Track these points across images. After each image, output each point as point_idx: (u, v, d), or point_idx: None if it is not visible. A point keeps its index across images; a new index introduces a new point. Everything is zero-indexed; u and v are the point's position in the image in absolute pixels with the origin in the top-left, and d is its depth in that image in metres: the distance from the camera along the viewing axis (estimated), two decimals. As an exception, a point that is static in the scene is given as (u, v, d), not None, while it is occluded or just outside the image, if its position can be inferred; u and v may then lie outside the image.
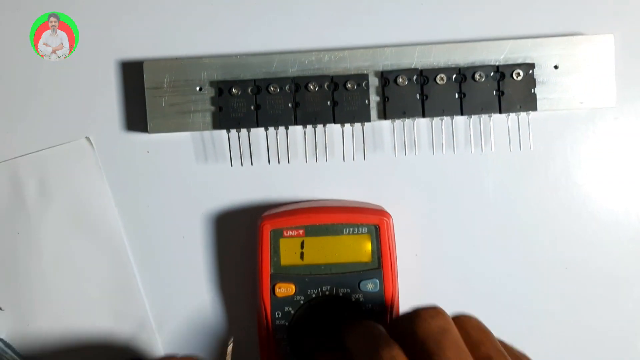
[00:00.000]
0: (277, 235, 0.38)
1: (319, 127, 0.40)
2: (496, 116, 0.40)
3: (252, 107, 0.39)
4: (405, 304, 0.39)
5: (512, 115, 0.40)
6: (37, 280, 0.42)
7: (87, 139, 0.41)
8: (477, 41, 0.40)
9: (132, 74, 0.41)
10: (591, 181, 0.42)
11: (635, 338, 0.42)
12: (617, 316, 0.42)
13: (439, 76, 0.39)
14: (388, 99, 0.40)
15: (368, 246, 0.38)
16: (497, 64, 0.40)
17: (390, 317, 0.38)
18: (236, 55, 0.40)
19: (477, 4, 0.41)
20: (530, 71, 0.39)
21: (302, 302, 0.38)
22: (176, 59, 0.40)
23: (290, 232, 0.38)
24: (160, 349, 0.42)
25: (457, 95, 0.40)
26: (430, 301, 0.39)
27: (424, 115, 0.40)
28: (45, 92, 0.41)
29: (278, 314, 0.38)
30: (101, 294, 0.42)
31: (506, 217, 0.42)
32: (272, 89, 0.39)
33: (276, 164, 0.41)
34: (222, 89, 0.39)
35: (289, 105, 0.39)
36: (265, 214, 0.39)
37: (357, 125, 0.40)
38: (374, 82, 0.40)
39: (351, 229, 0.39)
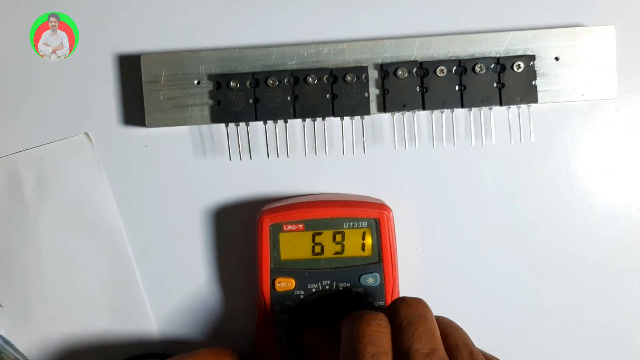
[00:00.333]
0: (276, 229, 0.38)
1: (318, 120, 0.40)
2: (496, 108, 0.40)
3: (250, 101, 0.39)
4: None
5: (513, 107, 0.40)
6: (35, 277, 0.41)
7: (86, 134, 0.41)
8: (478, 33, 0.40)
9: (130, 68, 0.41)
10: (592, 173, 0.42)
11: (636, 330, 0.43)
12: (618, 309, 0.42)
13: (439, 68, 0.39)
14: (388, 91, 0.39)
15: (368, 240, 0.38)
16: (497, 55, 0.39)
17: None
18: (234, 48, 0.40)
19: (477, -4, 0.41)
20: (531, 63, 0.39)
21: (302, 296, 0.38)
22: (174, 52, 0.40)
23: (289, 227, 0.38)
24: (159, 344, 0.42)
25: (457, 87, 0.39)
26: (430, 294, 0.39)
27: (424, 108, 0.39)
28: (42, 87, 0.41)
29: (278, 308, 0.38)
30: (100, 289, 0.42)
31: (506, 210, 0.42)
32: (270, 82, 0.39)
33: (275, 158, 0.41)
34: (220, 82, 0.39)
35: (288, 98, 0.39)
36: (265, 208, 0.39)
37: (357, 118, 0.40)
38: (373, 74, 0.39)
39: (351, 223, 0.38)
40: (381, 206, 0.39)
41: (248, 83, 0.39)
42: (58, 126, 0.41)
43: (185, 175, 0.41)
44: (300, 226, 0.38)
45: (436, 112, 0.40)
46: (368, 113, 0.39)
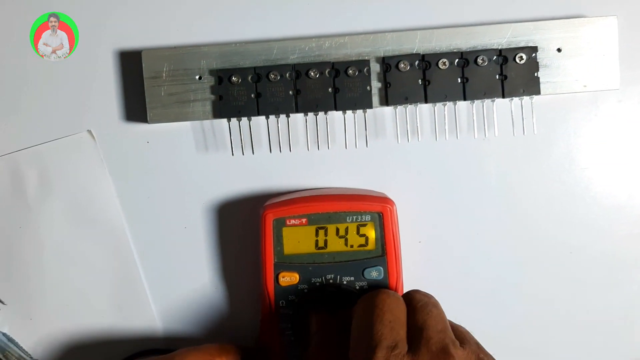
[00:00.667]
0: (279, 224, 0.38)
1: (320, 114, 0.40)
2: (499, 100, 0.40)
3: (252, 95, 0.39)
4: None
5: (515, 99, 0.40)
6: (38, 274, 0.41)
7: (89, 132, 0.41)
8: (479, 25, 0.40)
9: (131, 64, 0.40)
10: (594, 165, 0.42)
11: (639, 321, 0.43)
12: (622, 299, 0.42)
13: (441, 61, 0.39)
14: (390, 84, 0.39)
15: (372, 234, 0.38)
16: (499, 47, 0.39)
17: None
18: (235, 43, 0.40)
19: (479, -13, 0.41)
20: (533, 54, 0.39)
21: (306, 290, 0.38)
22: (175, 47, 0.40)
23: (293, 221, 0.38)
24: (163, 340, 0.42)
25: (459, 80, 0.39)
26: (434, 287, 0.39)
27: (426, 101, 0.39)
28: (43, 85, 0.41)
29: (282, 303, 0.38)
30: (103, 286, 0.42)
31: (509, 201, 0.42)
32: (272, 76, 0.39)
33: (278, 153, 0.41)
34: (221, 77, 0.39)
35: (290, 92, 0.39)
36: (268, 203, 0.39)
37: (359, 112, 0.40)
38: (375, 68, 0.39)
39: (354, 217, 0.38)
40: (384, 200, 0.39)
41: (250, 78, 0.39)
42: (60, 123, 0.41)
43: (188, 171, 0.41)
44: (304, 220, 0.38)
45: (438, 104, 0.40)
46: (370, 106, 0.39)
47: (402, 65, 0.39)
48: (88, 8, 0.41)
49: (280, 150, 0.41)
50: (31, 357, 0.41)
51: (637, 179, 0.42)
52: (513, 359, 0.42)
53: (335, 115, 0.40)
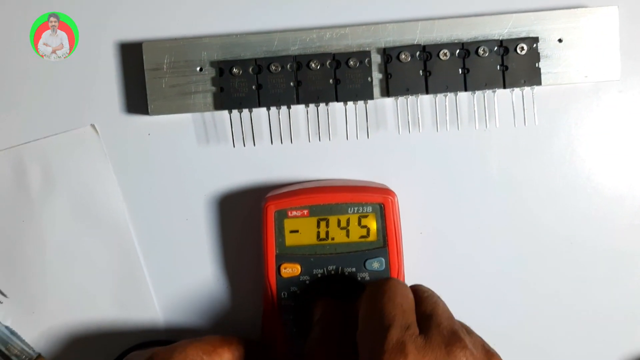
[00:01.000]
0: (281, 215, 0.38)
1: (322, 105, 0.40)
2: (500, 91, 0.40)
3: (253, 87, 0.39)
4: (410, 283, 0.38)
5: (516, 90, 0.40)
6: (41, 268, 0.42)
7: (92, 126, 0.41)
8: (480, 15, 0.40)
9: (131, 56, 0.40)
10: (596, 156, 0.42)
11: (641, 313, 0.43)
12: (623, 291, 0.42)
13: (442, 52, 0.39)
14: (391, 75, 0.39)
15: (373, 225, 0.38)
16: (500, 38, 0.39)
17: None
18: (236, 35, 0.40)
19: (479, -22, 0.41)
20: (534, 45, 0.39)
21: (307, 282, 0.38)
22: (175, 39, 0.40)
23: (294, 213, 0.38)
24: (165, 333, 0.42)
25: (460, 70, 0.39)
26: (435, 279, 0.39)
27: (427, 92, 0.39)
28: (44, 78, 0.41)
29: (284, 294, 0.38)
30: (105, 279, 0.42)
31: (511, 193, 0.42)
32: (273, 68, 0.39)
33: (279, 144, 0.41)
34: (222, 69, 0.39)
35: (291, 84, 0.39)
36: (269, 194, 0.39)
37: (360, 103, 0.40)
38: (376, 59, 0.39)
39: (356, 208, 0.38)
40: (386, 191, 0.39)
41: (251, 69, 0.39)
42: (61, 117, 0.41)
43: (189, 163, 0.41)
44: (305, 212, 0.38)
45: (439, 95, 0.40)
46: (371, 98, 0.39)
47: (403, 56, 0.39)
48: (88, 0, 0.41)
49: (282, 142, 0.41)
50: (33, 351, 0.42)
51: (638, 170, 0.42)
52: (514, 352, 0.42)
53: (337, 106, 0.40)
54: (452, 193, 0.42)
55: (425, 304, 0.33)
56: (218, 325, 0.42)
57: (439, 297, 0.35)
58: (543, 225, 0.42)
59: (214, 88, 0.39)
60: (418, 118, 0.41)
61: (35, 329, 0.42)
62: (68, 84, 0.41)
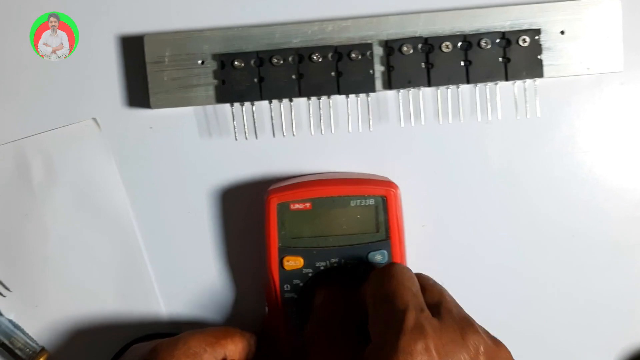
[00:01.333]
0: (284, 208, 0.38)
1: (324, 98, 0.40)
2: (502, 84, 0.40)
3: (255, 80, 0.39)
4: None
5: (518, 82, 0.40)
6: (44, 261, 0.42)
7: (94, 120, 0.41)
8: (483, 7, 0.39)
9: (133, 49, 0.40)
10: (597, 148, 0.42)
11: (641, 304, 0.43)
12: (623, 282, 0.43)
13: (444, 44, 0.39)
14: (393, 68, 0.39)
15: (375, 218, 0.38)
16: (502, 30, 0.39)
17: None
18: (238, 27, 0.39)
19: (481, -30, 0.41)
20: (536, 37, 0.39)
21: (310, 274, 0.38)
22: (177, 32, 0.40)
23: (297, 205, 0.38)
24: (168, 326, 0.42)
25: (462, 63, 0.39)
26: (437, 271, 0.39)
27: (429, 84, 0.39)
28: (46, 71, 0.41)
29: (287, 287, 0.38)
30: (108, 272, 0.42)
31: (512, 185, 0.42)
32: (275, 60, 0.39)
33: (281, 137, 0.41)
34: (224, 61, 0.39)
35: (293, 77, 0.39)
36: (272, 187, 0.39)
37: (362, 95, 0.40)
38: (378, 51, 0.39)
39: (358, 201, 0.38)
40: (388, 183, 0.39)
41: (252, 62, 0.39)
42: (63, 110, 0.41)
43: (191, 156, 0.41)
44: (308, 204, 0.38)
45: (441, 88, 0.40)
46: (373, 90, 0.39)
47: (405, 48, 0.39)
48: (89, -7, 0.41)
49: (284, 135, 0.41)
50: (37, 344, 0.42)
51: (640, 162, 0.42)
52: (515, 342, 0.41)
53: (339, 99, 0.40)
54: (454, 185, 0.42)
55: (431, 291, 0.34)
56: (220, 318, 0.42)
57: (442, 286, 0.35)
58: (544, 217, 0.42)
59: (215, 81, 0.39)
60: (420, 110, 0.41)
61: (39, 322, 0.42)
62: (70, 78, 0.41)
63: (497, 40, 0.39)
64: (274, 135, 0.41)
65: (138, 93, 0.41)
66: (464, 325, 0.31)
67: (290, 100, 0.40)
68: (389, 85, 0.39)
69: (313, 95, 0.39)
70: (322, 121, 0.40)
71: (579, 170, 0.42)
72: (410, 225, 0.40)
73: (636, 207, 0.42)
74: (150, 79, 0.39)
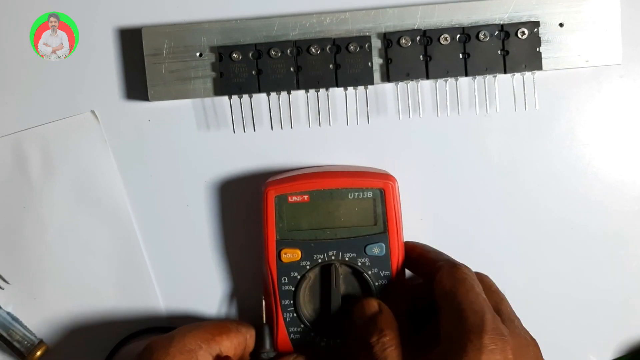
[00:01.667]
0: (281, 200, 0.38)
1: (322, 91, 0.40)
2: (501, 76, 0.40)
3: (253, 72, 0.39)
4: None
5: (517, 75, 0.40)
6: (43, 254, 0.42)
7: (92, 112, 0.41)
8: (481, 0, 0.39)
9: (131, 41, 0.40)
10: (596, 140, 0.42)
11: (638, 296, 0.43)
12: (623, 275, 0.43)
13: (442, 36, 0.39)
14: (391, 60, 0.39)
15: (373, 210, 0.38)
16: (501, 22, 0.39)
17: (397, 281, 0.38)
18: (236, 20, 0.39)
19: (480, -38, 0.41)
20: (535, 29, 0.39)
21: (308, 267, 0.38)
22: (175, 24, 0.40)
23: (295, 198, 0.38)
24: (166, 320, 0.42)
25: (461, 55, 0.39)
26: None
27: (427, 77, 0.39)
28: (44, 64, 0.41)
29: (284, 280, 0.38)
30: (107, 265, 0.42)
31: (511, 178, 0.42)
32: (273, 53, 0.39)
33: (279, 130, 0.41)
34: (222, 54, 0.39)
35: (291, 69, 0.39)
36: (270, 180, 0.39)
37: (360, 88, 0.40)
38: (376, 44, 0.39)
39: (356, 194, 0.38)
40: (386, 176, 0.39)
41: (250, 54, 0.39)
42: (62, 103, 0.41)
43: (189, 149, 0.41)
44: (306, 197, 0.38)
45: (440, 80, 0.40)
46: (372, 83, 0.39)
47: (404, 41, 0.39)
48: (87, -14, 0.41)
49: (282, 128, 0.41)
50: (35, 336, 0.42)
51: (639, 155, 0.42)
52: None
53: (337, 91, 0.40)
54: (453, 178, 0.42)
55: (493, 297, 0.35)
56: (218, 311, 0.42)
57: (502, 293, 0.37)
58: (543, 210, 0.42)
59: (213, 73, 0.39)
60: (418, 103, 0.41)
61: (37, 315, 0.42)
62: (68, 71, 0.41)
63: (496, 33, 0.39)
64: (272, 128, 0.41)
65: (136, 86, 0.41)
66: (525, 334, 0.34)
67: (289, 93, 0.40)
68: (387, 77, 0.39)
69: (311, 87, 0.39)
70: (320, 114, 0.40)
71: (578, 164, 0.42)
72: (408, 218, 0.40)
73: (635, 200, 0.42)
74: (148, 71, 0.39)
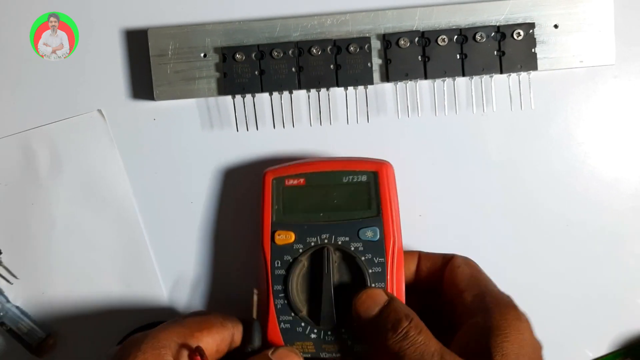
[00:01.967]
0: (279, 183, 0.39)
1: (323, 90, 0.41)
2: (497, 76, 0.40)
3: (256, 73, 0.40)
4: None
5: (513, 75, 0.40)
6: (50, 250, 0.42)
7: (99, 111, 0.42)
8: (478, 2, 0.40)
9: (137, 43, 0.41)
10: (591, 139, 0.43)
11: (635, 293, 0.43)
12: (618, 272, 0.43)
13: (440, 37, 0.40)
14: (390, 61, 0.40)
15: (367, 193, 0.38)
16: (497, 24, 0.40)
17: (391, 267, 0.37)
18: (239, 21, 0.40)
19: (477, -35, 0.41)
20: (531, 31, 0.40)
21: (301, 250, 0.38)
22: (180, 26, 0.40)
23: (291, 181, 0.39)
24: (170, 314, 0.43)
25: (458, 56, 0.40)
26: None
27: (426, 77, 0.40)
28: (52, 65, 0.42)
29: (277, 263, 0.38)
30: (113, 260, 0.43)
31: (508, 176, 0.43)
32: (275, 53, 0.40)
33: (281, 129, 0.41)
34: (226, 55, 0.40)
35: (293, 69, 0.40)
36: (269, 168, 0.40)
37: (360, 88, 0.41)
38: (376, 45, 0.40)
39: (350, 177, 0.38)
40: (381, 161, 0.39)
41: (253, 55, 0.40)
42: (70, 102, 0.42)
43: (193, 147, 0.42)
44: (302, 180, 0.38)
45: (438, 80, 0.41)
46: (371, 83, 0.40)
47: (403, 42, 0.40)
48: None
49: (284, 126, 0.41)
50: (43, 330, 0.42)
51: (633, 153, 0.43)
52: None
53: (337, 91, 0.41)
54: (451, 176, 0.42)
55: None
56: (223, 306, 0.43)
57: None
58: (539, 207, 0.43)
59: (217, 74, 0.40)
60: (417, 103, 0.41)
61: (45, 309, 0.43)
62: (76, 71, 0.42)
63: (492, 34, 0.40)
64: (274, 126, 0.41)
65: (142, 85, 0.42)
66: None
67: (290, 93, 0.41)
68: (386, 77, 0.40)
69: (312, 87, 0.40)
70: (321, 113, 0.41)
71: (573, 161, 0.43)
72: (407, 215, 0.41)
73: (629, 197, 0.43)
74: (154, 71, 0.40)
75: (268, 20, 0.40)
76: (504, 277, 0.42)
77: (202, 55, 0.40)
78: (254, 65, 0.40)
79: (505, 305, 0.35)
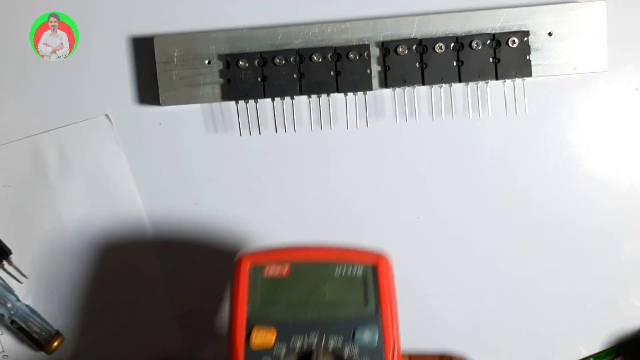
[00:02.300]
0: (257, 272, 0.32)
1: (323, 96, 0.41)
2: (493, 82, 0.41)
3: (258, 79, 0.41)
4: (405, 267, 0.39)
5: (508, 81, 0.41)
6: (60, 249, 0.43)
7: (107, 116, 0.42)
8: (474, 10, 0.41)
9: (143, 49, 0.42)
10: (584, 143, 0.43)
11: (628, 292, 0.44)
12: (610, 271, 0.44)
13: (437, 45, 0.40)
14: (389, 68, 0.41)
15: (364, 290, 0.32)
16: (493, 32, 0.41)
17: None
18: (243, 29, 0.41)
19: (474, -26, 0.42)
20: (525, 38, 0.41)
21: (284, 352, 0.31)
22: (185, 33, 0.41)
23: (272, 269, 0.32)
24: (173, 312, 0.43)
25: (455, 63, 0.41)
26: (431, 262, 0.41)
27: (423, 83, 0.41)
28: (62, 70, 0.42)
29: None
30: (119, 260, 0.43)
31: (503, 178, 0.43)
32: (277, 60, 0.40)
33: (283, 133, 0.42)
34: (229, 61, 0.41)
35: (294, 76, 0.41)
36: (244, 251, 0.34)
37: (360, 94, 0.41)
38: (375, 52, 0.41)
39: (344, 270, 0.32)
40: (378, 252, 0.33)
41: (256, 62, 0.41)
42: (77, 106, 0.42)
43: (198, 151, 0.43)
44: (285, 269, 0.32)
45: (435, 87, 0.42)
46: (370, 89, 0.41)
47: (401, 49, 0.40)
48: (103, -3, 0.42)
49: (285, 131, 0.42)
50: (52, 327, 0.43)
51: (625, 156, 0.43)
52: (506, 330, 0.44)
53: (337, 97, 0.42)
54: (447, 179, 0.43)
55: None
56: (227, 309, 0.43)
57: None
58: (535, 210, 0.43)
59: (221, 80, 0.41)
60: (415, 108, 0.42)
61: (54, 307, 0.43)
62: (85, 77, 0.42)
63: (488, 42, 0.41)
64: (276, 131, 0.42)
65: (148, 91, 0.42)
66: None
67: (292, 98, 0.41)
68: (385, 84, 0.41)
69: (313, 93, 0.41)
70: (321, 118, 0.42)
71: (567, 165, 0.43)
72: (404, 216, 0.42)
73: (621, 198, 0.43)
74: (160, 78, 0.41)
75: (270, 28, 0.41)
76: (499, 278, 0.43)
77: (206, 62, 0.41)
78: (256, 71, 0.41)
79: None
